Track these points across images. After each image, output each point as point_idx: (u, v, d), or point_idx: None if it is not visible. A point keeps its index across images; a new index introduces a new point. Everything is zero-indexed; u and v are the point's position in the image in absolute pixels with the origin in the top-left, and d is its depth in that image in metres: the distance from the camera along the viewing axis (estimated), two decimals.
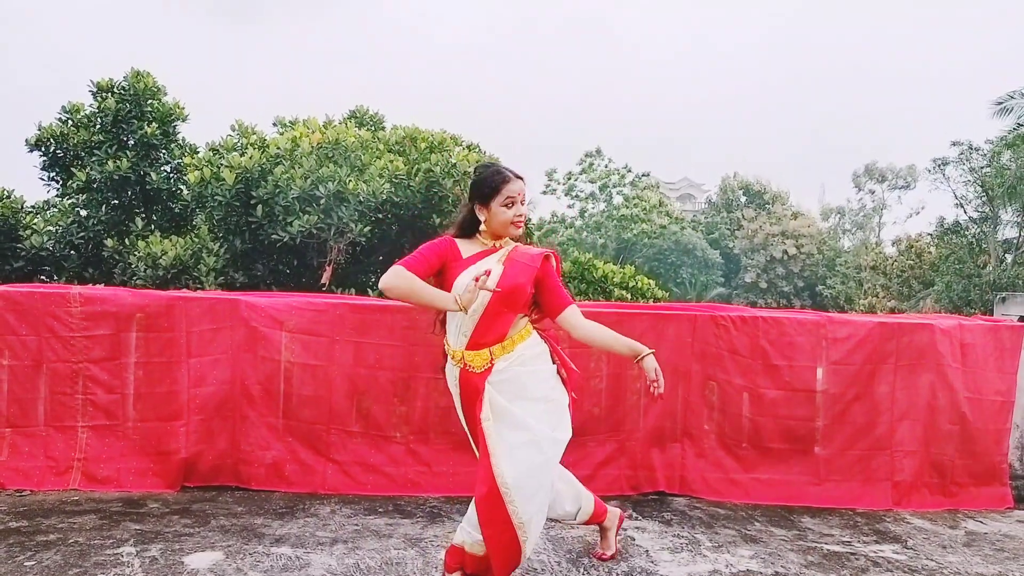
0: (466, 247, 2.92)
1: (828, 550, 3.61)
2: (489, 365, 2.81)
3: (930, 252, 31.67)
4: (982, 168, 28.28)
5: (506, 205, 2.85)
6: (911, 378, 4.40)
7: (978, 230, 28.93)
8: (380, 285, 2.78)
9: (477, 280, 2.68)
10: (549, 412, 2.86)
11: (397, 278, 2.74)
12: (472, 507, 2.81)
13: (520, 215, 2.88)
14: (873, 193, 46.66)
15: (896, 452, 4.38)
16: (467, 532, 2.83)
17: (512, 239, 2.95)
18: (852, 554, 3.57)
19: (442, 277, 2.87)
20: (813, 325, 4.42)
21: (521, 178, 2.90)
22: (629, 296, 9.68)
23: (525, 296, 2.86)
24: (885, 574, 3.32)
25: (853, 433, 4.36)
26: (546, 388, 2.88)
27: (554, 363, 2.96)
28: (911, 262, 32.13)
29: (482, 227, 2.92)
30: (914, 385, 4.41)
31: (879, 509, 4.31)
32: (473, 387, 2.83)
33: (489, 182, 2.87)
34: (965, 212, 29.52)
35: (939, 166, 29.77)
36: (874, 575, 3.30)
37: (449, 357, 2.92)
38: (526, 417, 2.77)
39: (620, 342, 2.95)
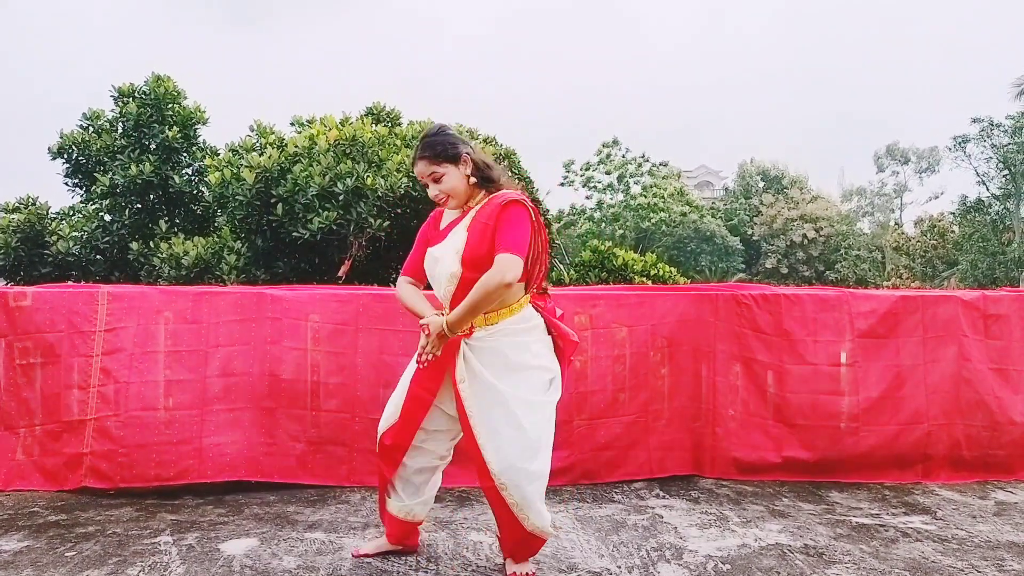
0: (449, 213, 2.92)
1: (857, 522, 3.62)
2: (467, 332, 2.73)
3: (953, 231, 31.40)
4: (1004, 145, 27.96)
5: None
6: (937, 351, 4.39)
7: (1001, 207, 28.64)
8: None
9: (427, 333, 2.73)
10: (531, 379, 2.75)
11: (399, 288, 3.01)
12: None
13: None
14: (896, 174, 46.30)
15: (924, 425, 4.36)
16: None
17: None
18: (881, 526, 3.57)
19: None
20: (836, 301, 4.41)
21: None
22: (651, 283, 9.65)
23: (490, 260, 2.65)
24: (915, 544, 3.32)
25: (879, 407, 4.35)
26: (528, 356, 2.75)
27: (550, 334, 2.85)
28: (934, 241, 31.87)
29: None
30: (940, 358, 4.39)
31: (907, 482, 4.31)
32: (448, 345, 2.74)
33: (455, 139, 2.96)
34: (987, 189, 29.21)
35: (959, 144, 29.47)
36: (904, 545, 3.30)
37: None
38: (503, 388, 2.68)
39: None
